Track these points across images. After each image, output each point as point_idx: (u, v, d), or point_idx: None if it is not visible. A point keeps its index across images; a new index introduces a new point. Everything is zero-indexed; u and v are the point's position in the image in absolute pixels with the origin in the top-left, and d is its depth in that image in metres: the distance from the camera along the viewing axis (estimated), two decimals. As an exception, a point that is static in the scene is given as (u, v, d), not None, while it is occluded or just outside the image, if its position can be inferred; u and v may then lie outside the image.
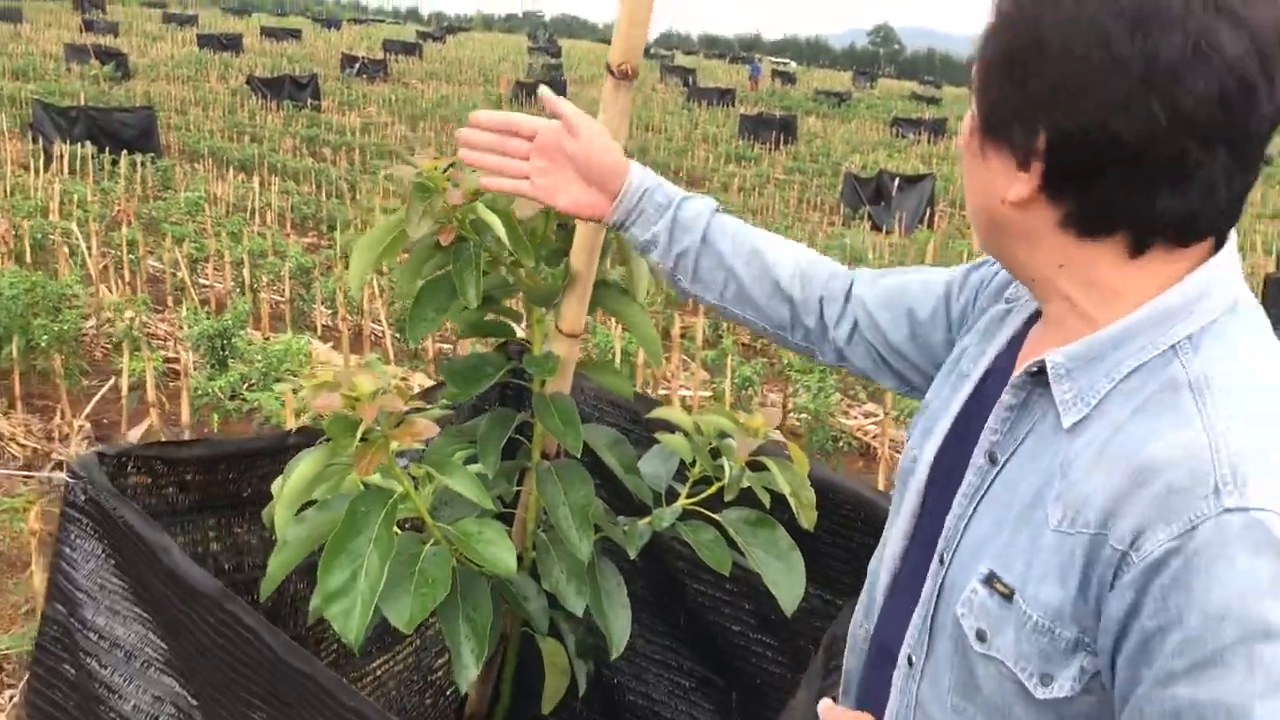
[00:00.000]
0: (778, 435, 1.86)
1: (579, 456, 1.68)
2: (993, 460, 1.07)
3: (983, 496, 1.07)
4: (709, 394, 6.33)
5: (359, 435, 1.48)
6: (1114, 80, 0.90)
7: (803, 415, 5.79)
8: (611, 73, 1.46)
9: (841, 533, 1.95)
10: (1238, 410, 0.92)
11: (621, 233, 1.46)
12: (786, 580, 1.74)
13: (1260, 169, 0.96)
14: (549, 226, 1.66)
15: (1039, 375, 1.04)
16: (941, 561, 1.10)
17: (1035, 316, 1.17)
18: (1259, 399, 0.94)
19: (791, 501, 1.81)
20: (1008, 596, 1.00)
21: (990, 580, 1.02)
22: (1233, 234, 1.02)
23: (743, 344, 8.28)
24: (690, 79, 45.18)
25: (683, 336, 6.80)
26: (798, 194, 18.51)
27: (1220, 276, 1.00)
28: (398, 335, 7.11)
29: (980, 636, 1.02)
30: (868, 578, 1.32)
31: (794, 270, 1.45)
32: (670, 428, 1.87)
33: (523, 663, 2.00)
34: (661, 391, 6.31)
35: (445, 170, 1.61)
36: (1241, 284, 1.02)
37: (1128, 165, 0.93)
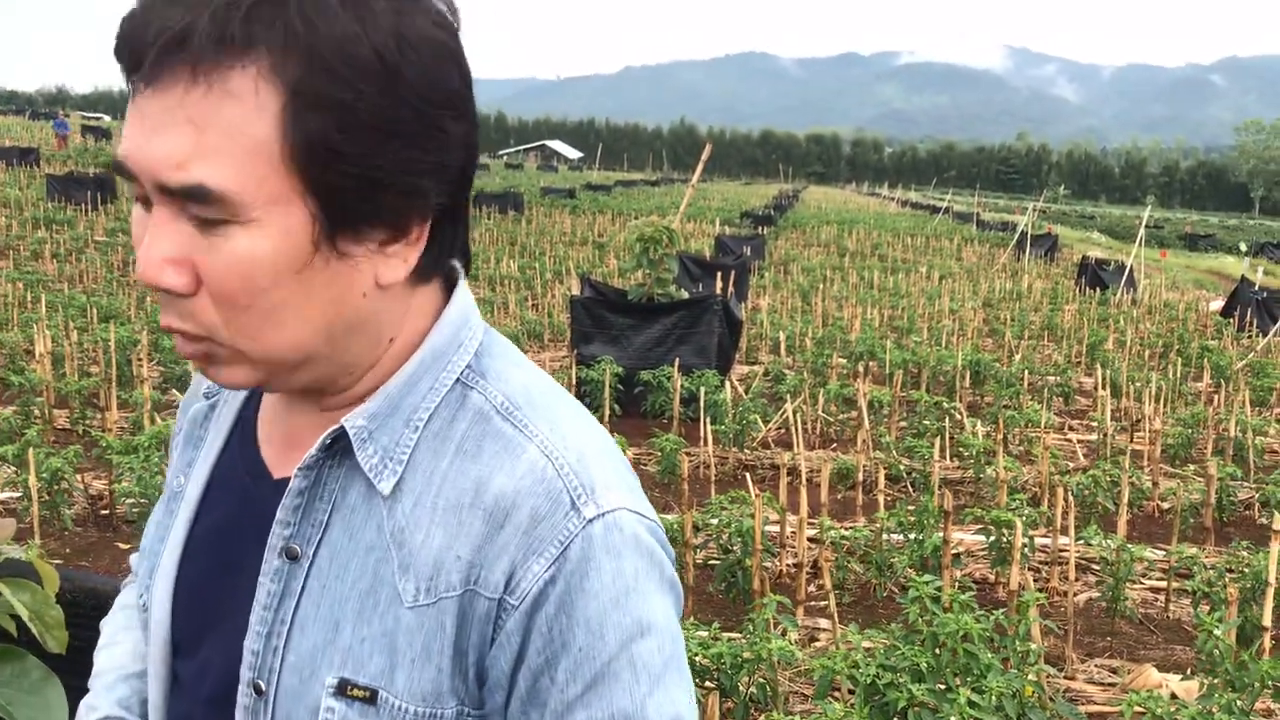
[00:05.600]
0: (17, 552, 1.62)
1: None
2: (293, 558, 0.92)
3: (298, 602, 0.91)
4: (17, 494, 5.58)
5: None
6: (468, 96, 0.86)
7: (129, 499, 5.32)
8: None
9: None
10: (554, 421, 0.91)
11: None
12: (43, 716, 1.51)
13: None
14: None
15: (331, 446, 0.92)
16: (259, 692, 0.92)
17: (251, 398, 1.05)
18: (556, 403, 0.94)
19: (33, 626, 1.58)
20: (369, 700, 0.87)
21: (344, 689, 0.88)
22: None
23: (58, 429, 7.43)
24: (-18, 138, 40.19)
25: (-23, 433, 5.92)
26: (122, 256, 17.17)
27: (469, 301, 0.97)
28: None
29: None
30: None
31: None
32: None
33: None
34: (-48, 501, 5.44)
35: None
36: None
37: (469, 183, 0.91)
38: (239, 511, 0.99)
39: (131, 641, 1.20)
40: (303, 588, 0.91)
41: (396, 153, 0.81)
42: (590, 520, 0.86)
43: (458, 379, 0.93)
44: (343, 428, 0.90)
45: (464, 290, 0.97)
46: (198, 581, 1.01)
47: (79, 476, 5.83)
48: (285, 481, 0.94)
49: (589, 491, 0.87)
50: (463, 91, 0.85)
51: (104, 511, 5.89)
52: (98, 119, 79.15)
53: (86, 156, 37.08)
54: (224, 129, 0.77)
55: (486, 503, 0.87)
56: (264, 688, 0.91)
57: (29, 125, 56.37)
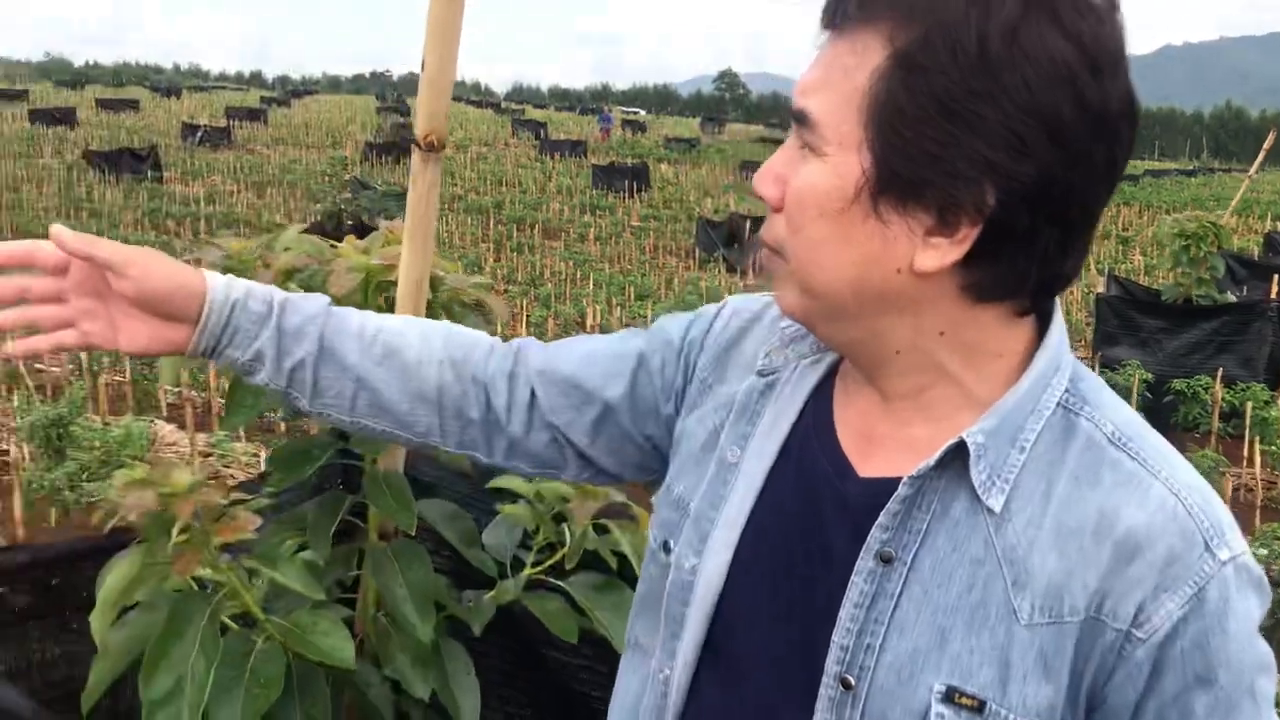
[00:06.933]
0: (619, 495, 1.86)
1: (413, 535, 1.63)
2: (886, 561, 0.93)
3: (896, 603, 0.93)
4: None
5: (177, 533, 1.42)
6: (1078, 127, 0.85)
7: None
8: (418, 145, 1.44)
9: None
10: (1166, 457, 0.92)
11: (216, 360, 1.14)
12: (637, 643, 1.73)
13: None
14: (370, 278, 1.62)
15: (942, 457, 0.92)
16: (847, 686, 0.93)
17: (820, 389, 1.06)
18: (1156, 437, 0.94)
19: (635, 562, 1.81)
20: (977, 709, 0.89)
21: (952, 696, 0.89)
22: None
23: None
24: (542, 132, 45.37)
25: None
26: (653, 240, 18.73)
27: (1064, 329, 0.98)
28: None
29: None
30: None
31: (442, 359, 1.20)
32: (512, 496, 1.85)
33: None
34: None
35: (257, 250, 1.57)
36: None
37: (1063, 222, 0.88)
38: (818, 503, 1.00)
39: (442, 336, 1.22)
40: (900, 591, 0.93)
41: (957, 135, 0.83)
42: (1224, 563, 0.88)
43: (1059, 403, 0.93)
44: (962, 441, 0.91)
45: (1060, 318, 0.97)
46: (764, 563, 1.02)
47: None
48: (874, 481, 0.97)
49: (1219, 534, 0.89)
50: (1068, 119, 0.84)
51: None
52: (635, 113, 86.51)
53: (625, 148, 40.71)
54: (839, 72, 0.88)
55: (1116, 534, 0.88)
56: (853, 683, 0.93)
57: (579, 120, 63.03)
